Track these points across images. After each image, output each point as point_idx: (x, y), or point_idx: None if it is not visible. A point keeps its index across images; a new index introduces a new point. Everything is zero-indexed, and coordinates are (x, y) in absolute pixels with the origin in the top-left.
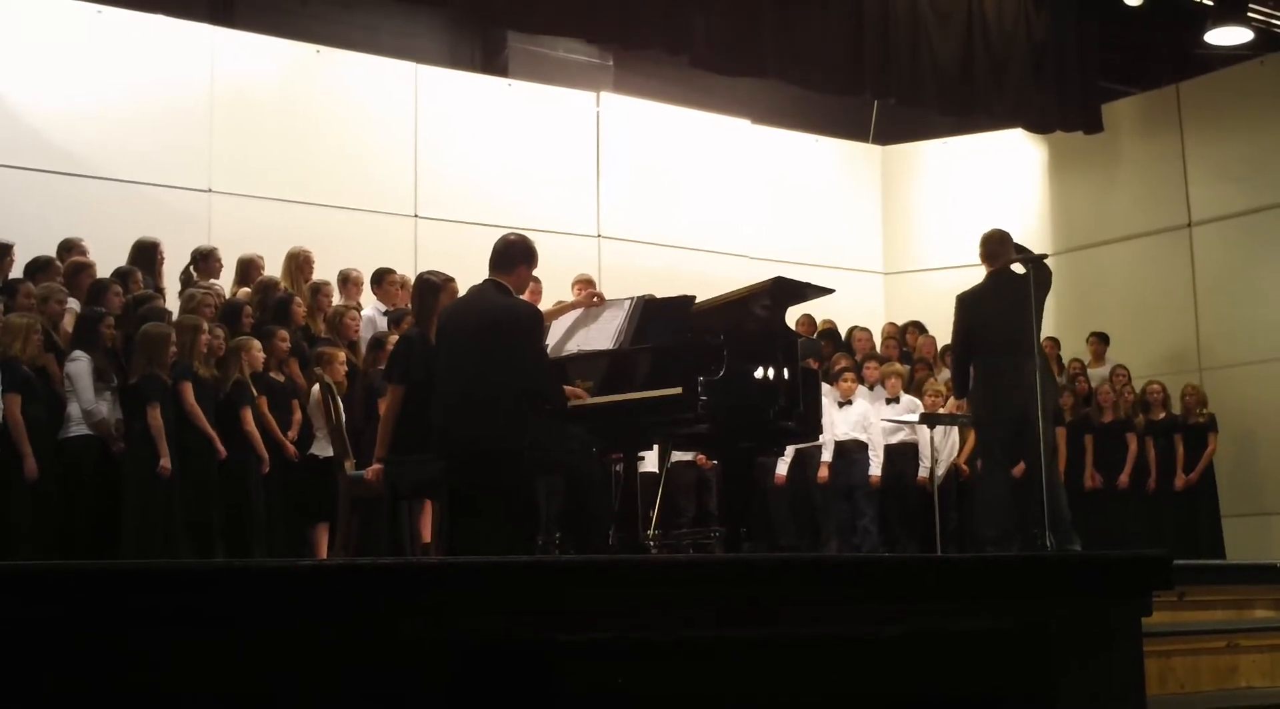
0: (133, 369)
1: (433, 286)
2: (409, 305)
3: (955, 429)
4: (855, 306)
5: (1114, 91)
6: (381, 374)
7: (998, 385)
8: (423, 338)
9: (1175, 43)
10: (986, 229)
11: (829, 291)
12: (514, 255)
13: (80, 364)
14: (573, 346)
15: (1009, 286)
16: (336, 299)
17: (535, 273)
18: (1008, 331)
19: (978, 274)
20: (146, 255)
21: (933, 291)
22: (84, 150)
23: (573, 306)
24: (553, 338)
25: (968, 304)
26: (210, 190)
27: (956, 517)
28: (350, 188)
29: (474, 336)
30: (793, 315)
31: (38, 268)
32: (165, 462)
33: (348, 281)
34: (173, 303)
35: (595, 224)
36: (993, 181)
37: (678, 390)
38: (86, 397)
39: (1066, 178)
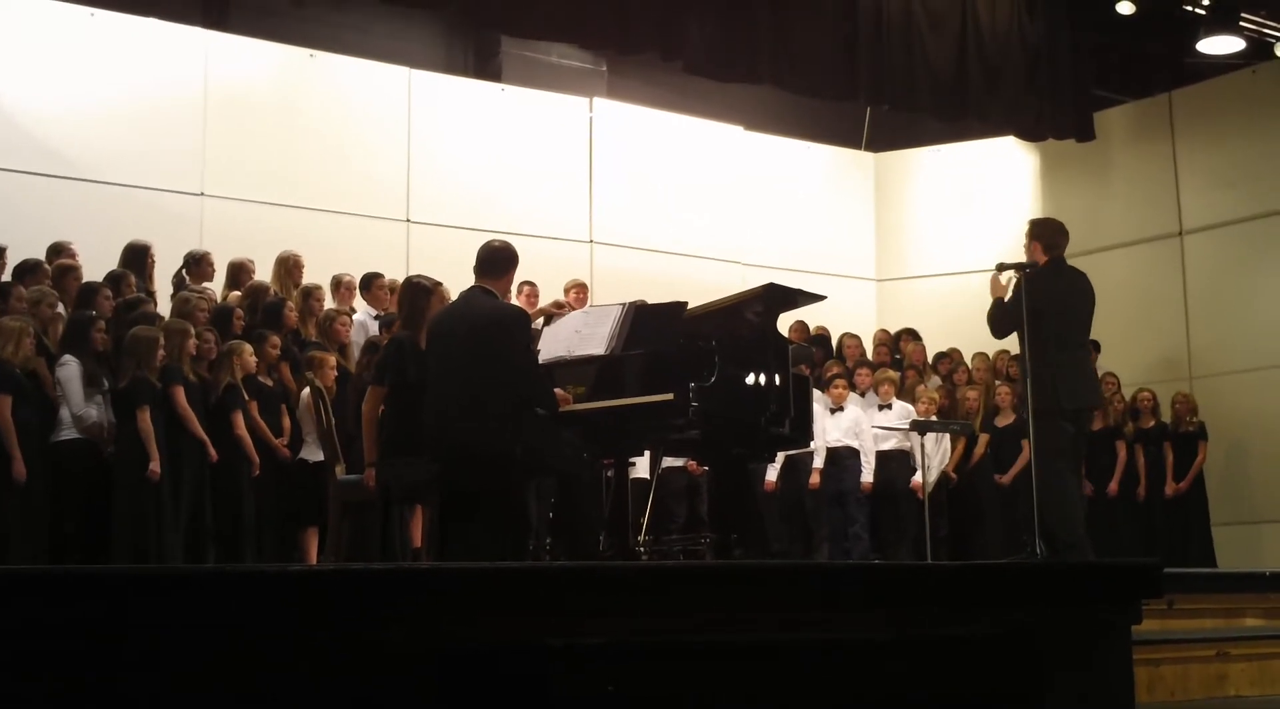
0: (121, 373)
1: (424, 290)
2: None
3: (947, 436)
4: (847, 313)
5: (1106, 99)
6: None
7: (1055, 377)
8: (413, 341)
9: (1168, 51)
10: (1043, 216)
11: (821, 298)
12: (504, 261)
13: (70, 368)
14: (565, 352)
15: (1068, 279)
16: (329, 303)
17: (530, 277)
18: (1067, 324)
19: (971, 281)
20: (138, 258)
21: (925, 298)
22: (77, 153)
23: (540, 313)
24: (545, 344)
25: (1036, 285)
26: (203, 194)
27: (947, 523)
28: (343, 192)
29: (464, 341)
30: (785, 322)
31: (26, 270)
32: (154, 465)
33: (340, 286)
34: (164, 306)
35: (588, 229)
36: (985, 189)
37: (669, 396)
38: (76, 400)
39: (1058, 185)
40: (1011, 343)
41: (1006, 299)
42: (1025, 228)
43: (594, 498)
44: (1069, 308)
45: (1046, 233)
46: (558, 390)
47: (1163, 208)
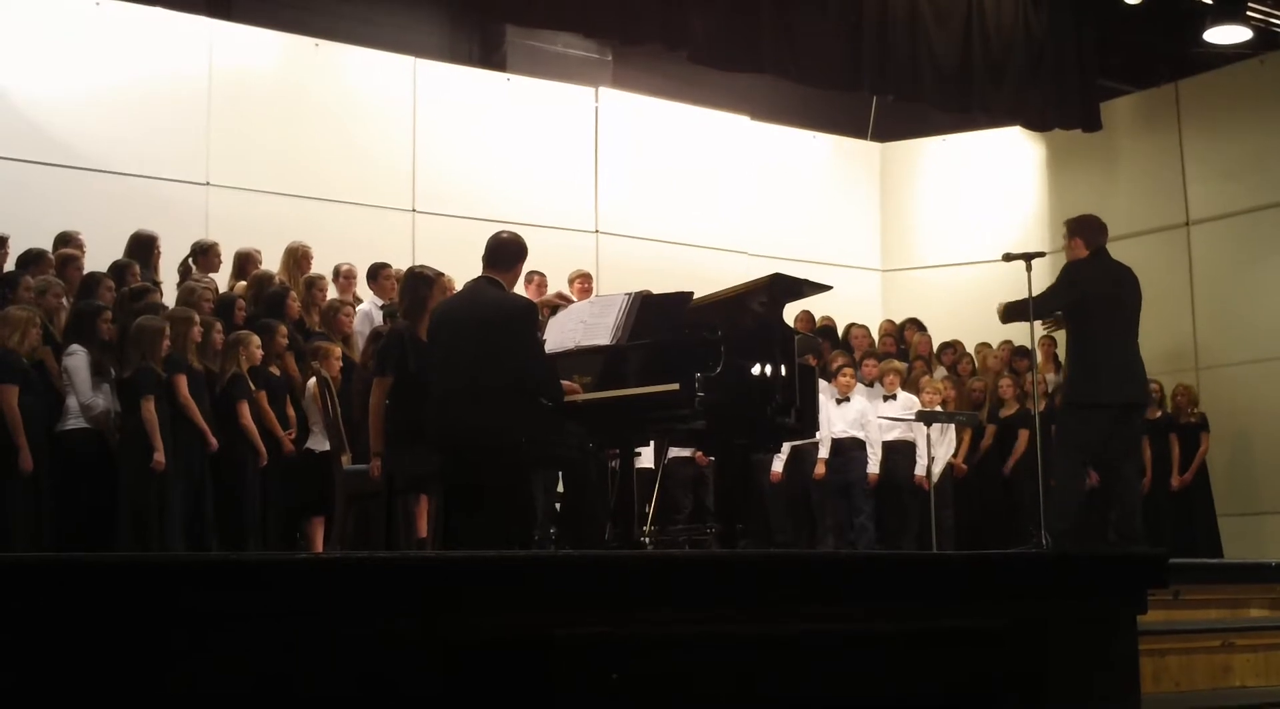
0: (126, 362)
1: (426, 280)
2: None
3: (952, 427)
4: (853, 304)
5: (1113, 89)
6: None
7: (1100, 370)
8: (413, 332)
9: (1174, 41)
10: (1081, 214)
11: (827, 288)
12: (513, 253)
13: (78, 358)
14: (570, 342)
15: (1112, 272)
16: (331, 293)
17: (537, 267)
18: (1112, 315)
19: (975, 271)
20: (144, 248)
21: (931, 289)
22: (82, 143)
23: (543, 304)
24: (550, 334)
25: (1079, 275)
26: (208, 183)
27: (952, 514)
28: (348, 182)
29: (471, 332)
30: (791, 312)
31: (30, 260)
32: (159, 456)
33: (339, 276)
34: (169, 297)
35: (593, 219)
36: (991, 179)
37: (675, 386)
38: (84, 390)
39: (1065, 176)
40: (1021, 333)
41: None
42: (1063, 228)
43: (599, 488)
44: (1113, 299)
45: (1085, 229)
46: (566, 382)
47: (1169, 198)
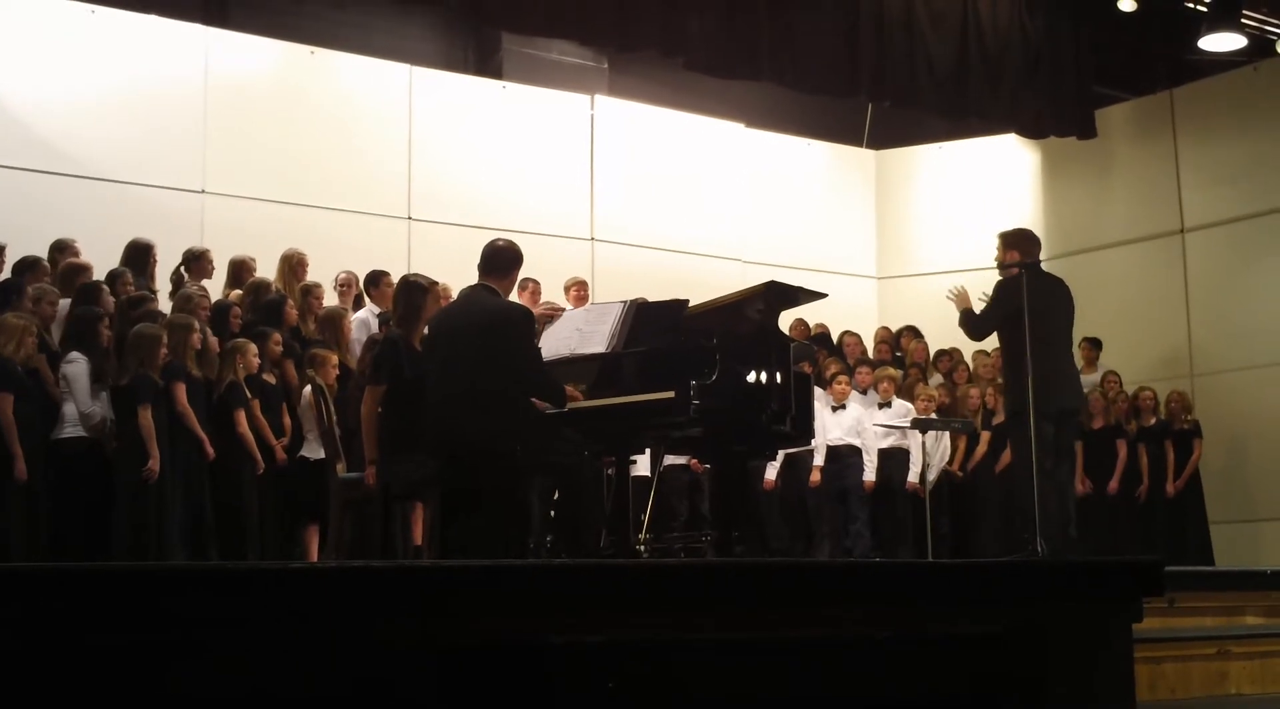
0: (123, 370)
1: (420, 288)
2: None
3: (947, 434)
4: (848, 311)
5: (1108, 97)
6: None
7: (1035, 379)
8: (406, 339)
9: (1169, 48)
10: (1008, 227)
11: (822, 296)
12: (508, 260)
13: (78, 366)
14: (566, 350)
15: (1046, 284)
16: (328, 301)
17: (531, 275)
18: (1048, 326)
19: (971, 278)
20: (140, 257)
21: (926, 296)
22: (77, 150)
23: (538, 316)
24: (546, 342)
25: (1010, 291)
26: (204, 191)
27: (948, 521)
28: (344, 189)
29: (469, 338)
30: (786, 319)
31: (25, 267)
32: (153, 463)
33: (341, 284)
34: (164, 304)
35: (589, 227)
36: (986, 186)
37: (670, 394)
38: (83, 398)
39: (1060, 183)
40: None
41: (975, 309)
42: (997, 241)
43: (595, 495)
44: (1049, 310)
45: (1021, 241)
46: (567, 387)
47: (1164, 205)
